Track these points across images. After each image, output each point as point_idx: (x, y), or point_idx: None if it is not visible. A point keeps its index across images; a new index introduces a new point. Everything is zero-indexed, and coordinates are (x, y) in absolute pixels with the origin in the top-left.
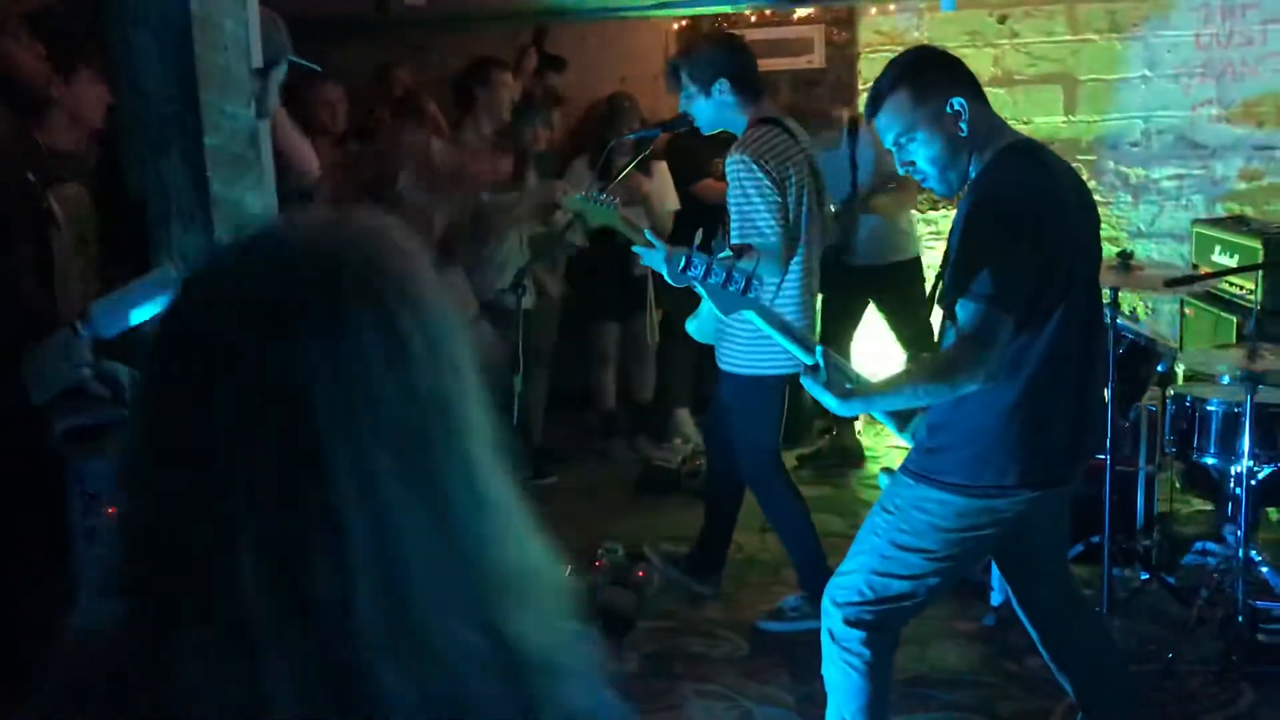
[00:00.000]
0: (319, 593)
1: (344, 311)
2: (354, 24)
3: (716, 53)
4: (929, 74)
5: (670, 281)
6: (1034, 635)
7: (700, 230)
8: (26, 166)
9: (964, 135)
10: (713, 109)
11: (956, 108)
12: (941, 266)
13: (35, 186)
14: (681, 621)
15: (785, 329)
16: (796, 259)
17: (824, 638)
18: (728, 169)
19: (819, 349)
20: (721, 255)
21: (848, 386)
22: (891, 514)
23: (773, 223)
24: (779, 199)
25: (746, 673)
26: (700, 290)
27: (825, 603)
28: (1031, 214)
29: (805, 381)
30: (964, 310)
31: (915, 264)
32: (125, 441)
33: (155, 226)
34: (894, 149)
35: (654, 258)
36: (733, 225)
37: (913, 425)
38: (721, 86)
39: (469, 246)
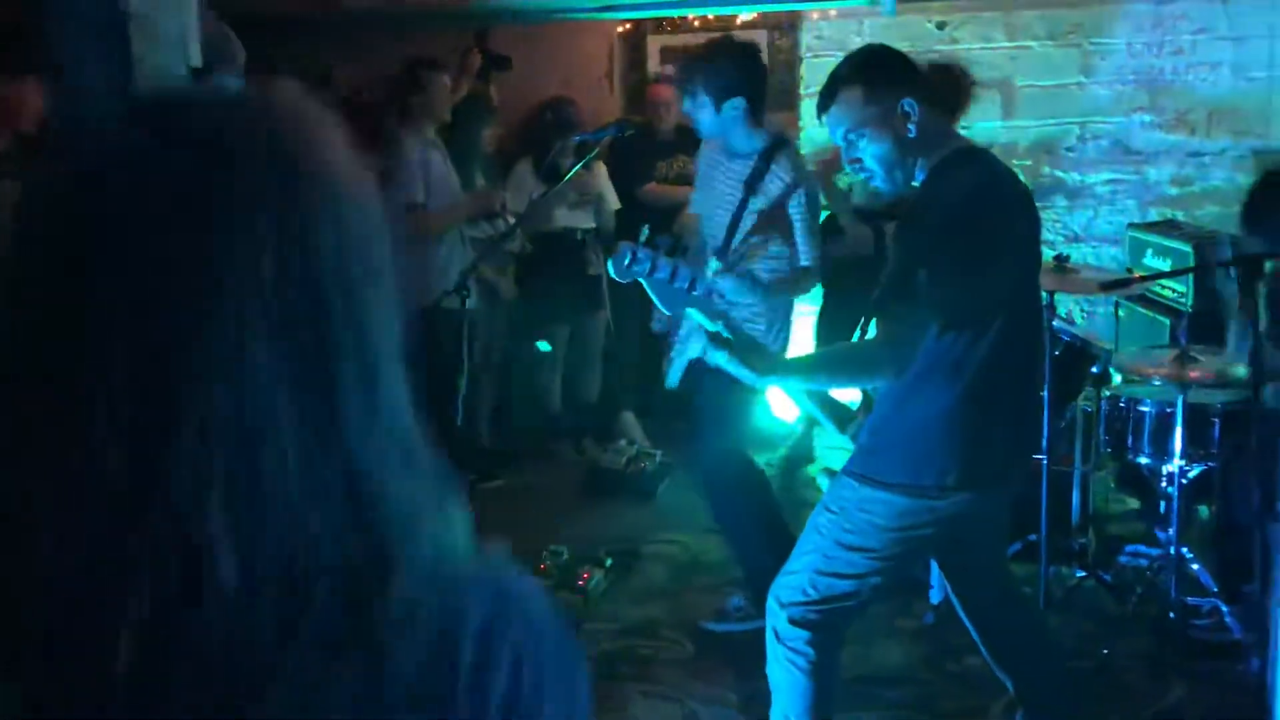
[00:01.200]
0: (174, 474)
1: (235, 181)
2: (299, 23)
3: (736, 70)
4: (882, 72)
5: (616, 277)
6: (974, 633)
7: (646, 226)
8: None
9: (912, 137)
10: (719, 123)
11: (907, 109)
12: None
13: None
14: (627, 624)
15: (726, 322)
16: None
17: (769, 637)
18: (786, 186)
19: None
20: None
21: (763, 363)
22: (835, 514)
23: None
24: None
25: (692, 673)
26: (646, 285)
27: (770, 602)
28: (973, 220)
29: (718, 356)
30: (891, 309)
31: None
32: None
33: None
34: (842, 144)
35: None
36: (806, 250)
37: (853, 427)
38: (735, 105)
39: (403, 248)
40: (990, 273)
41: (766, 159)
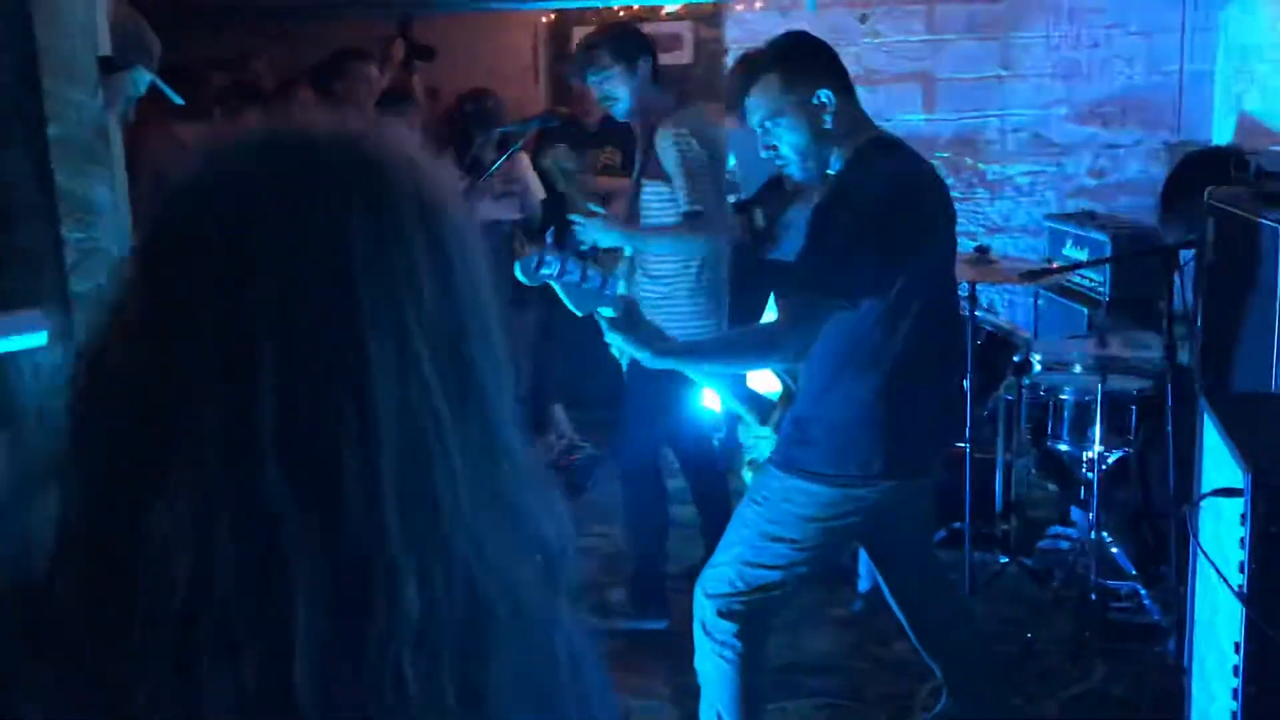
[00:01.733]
0: (345, 483)
1: (393, 207)
2: (212, 11)
3: (638, 34)
4: (801, 62)
5: (524, 280)
6: (902, 619)
7: (552, 228)
8: None
9: (827, 127)
10: (632, 90)
11: (823, 99)
12: None
13: None
14: None
15: (633, 315)
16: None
17: (696, 630)
18: (664, 143)
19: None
20: (578, 251)
21: (659, 343)
22: (760, 505)
23: (712, 195)
24: (714, 175)
25: (622, 666)
26: (556, 288)
27: (697, 594)
28: (883, 211)
29: (612, 336)
30: (793, 294)
31: None
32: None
33: None
34: (759, 130)
35: (593, 226)
36: (681, 198)
37: (774, 418)
38: (644, 63)
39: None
40: (907, 260)
41: (651, 124)
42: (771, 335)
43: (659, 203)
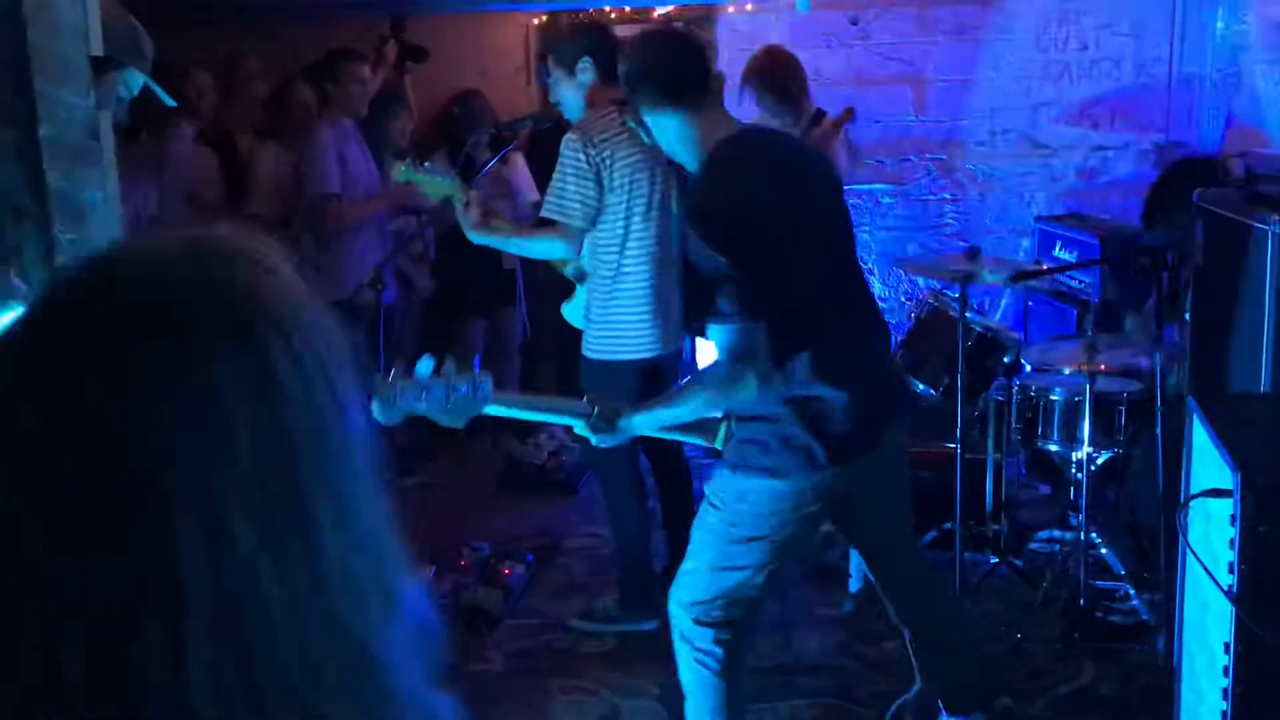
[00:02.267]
0: (147, 669)
1: (189, 347)
2: (200, 9)
3: (583, 35)
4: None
5: (383, 421)
6: (894, 614)
7: (429, 355)
8: None
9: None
10: (577, 92)
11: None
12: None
13: None
14: (548, 619)
15: (540, 407)
16: (640, 259)
17: (675, 640)
18: (563, 145)
19: (585, 402)
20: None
21: (622, 419)
22: (719, 509)
23: (576, 205)
24: (592, 182)
25: (613, 667)
26: (428, 413)
27: (671, 605)
28: (730, 218)
29: (583, 432)
30: (714, 332)
31: None
32: None
33: None
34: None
35: (464, 224)
36: (546, 199)
37: (724, 430)
38: (584, 65)
39: (315, 241)
40: (770, 265)
41: None
42: (729, 378)
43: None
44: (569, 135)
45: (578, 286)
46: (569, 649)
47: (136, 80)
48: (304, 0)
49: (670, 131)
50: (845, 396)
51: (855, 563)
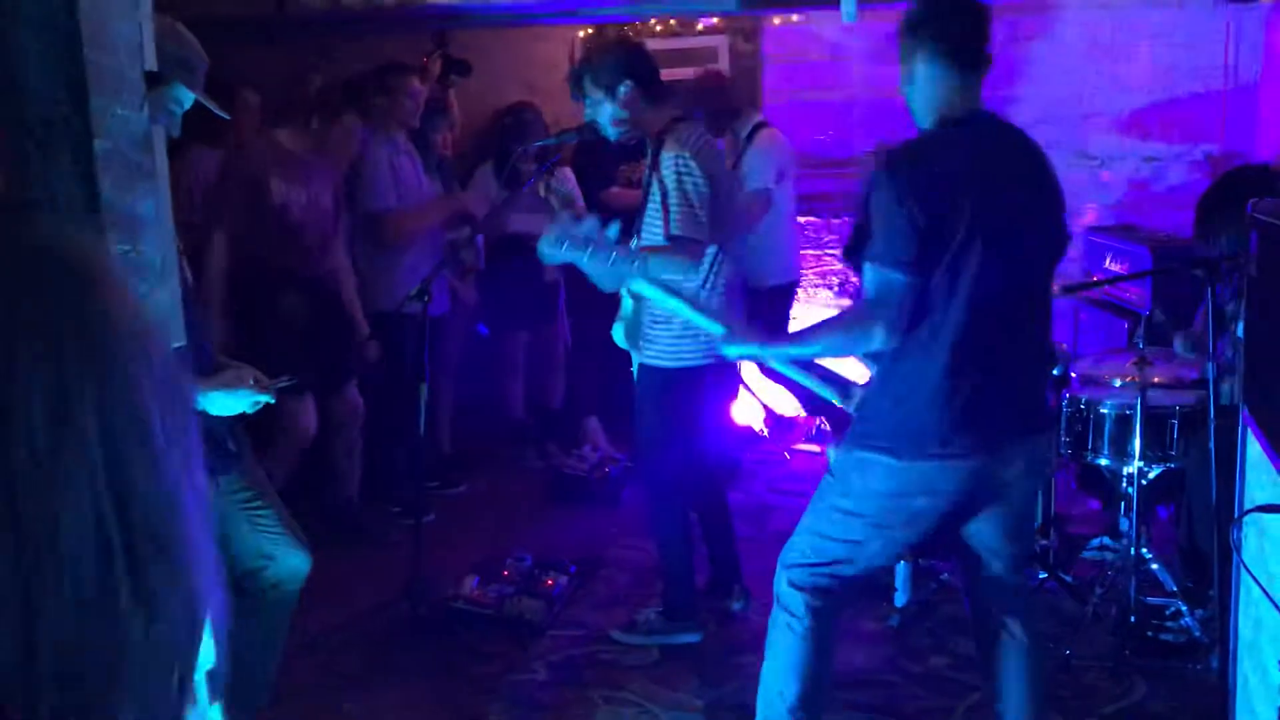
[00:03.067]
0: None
1: None
2: (252, 26)
3: (618, 57)
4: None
5: (547, 257)
6: (971, 618)
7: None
8: None
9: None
10: (618, 113)
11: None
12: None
13: None
14: (592, 630)
15: (688, 301)
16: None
17: (775, 599)
18: (666, 165)
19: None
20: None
21: (758, 341)
22: (834, 479)
23: (704, 221)
24: (707, 194)
25: (656, 679)
26: (584, 261)
27: (779, 565)
28: (910, 176)
29: (724, 347)
30: (863, 272)
31: (790, 290)
32: None
33: None
34: None
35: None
36: (673, 219)
37: (855, 395)
38: (626, 89)
39: (367, 254)
40: (928, 231)
41: (659, 139)
42: (858, 320)
43: (657, 221)
44: (678, 155)
45: (623, 306)
46: (612, 660)
47: (187, 96)
48: (349, 15)
49: (928, 86)
50: (986, 388)
51: (902, 577)
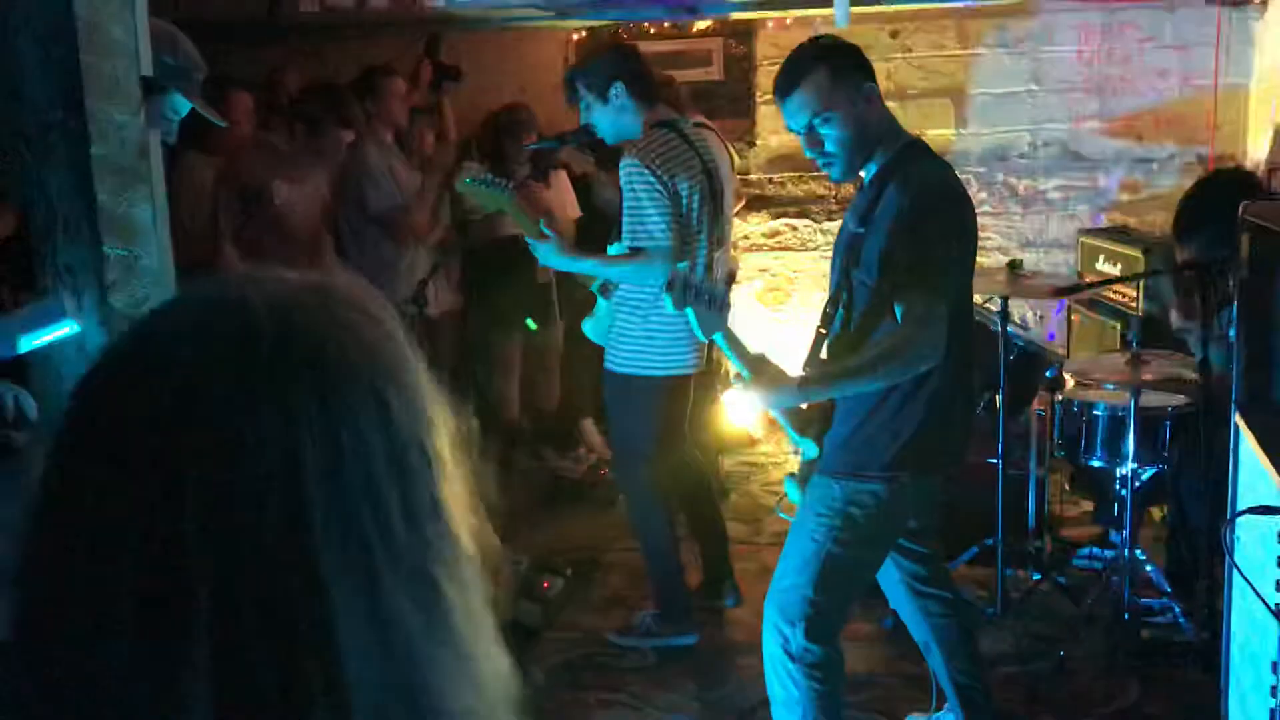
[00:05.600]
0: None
1: (346, 396)
2: (244, 29)
3: (610, 59)
4: (845, 56)
5: (672, 308)
6: (924, 629)
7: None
8: None
9: (872, 123)
10: (611, 115)
11: (869, 93)
12: (846, 257)
13: None
14: (588, 632)
15: (740, 350)
16: (698, 264)
17: (777, 656)
18: (620, 172)
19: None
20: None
21: (799, 386)
22: (826, 516)
23: (664, 226)
24: (669, 203)
25: (653, 682)
26: (691, 315)
27: (776, 621)
28: (957, 208)
29: (748, 394)
30: (916, 295)
31: None
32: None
33: (37, 237)
34: (803, 132)
35: (545, 250)
36: (624, 228)
37: (814, 428)
38: (617, 91)
39: (366, 254)
40: (961, 260)
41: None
42: (908, 347)
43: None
44: (628, 161)
45: (598, 302)
46: (609, 663)
47: (184, 104)
48: (340, 20)
49: (843, 129)
50: (959, 408)
51: None
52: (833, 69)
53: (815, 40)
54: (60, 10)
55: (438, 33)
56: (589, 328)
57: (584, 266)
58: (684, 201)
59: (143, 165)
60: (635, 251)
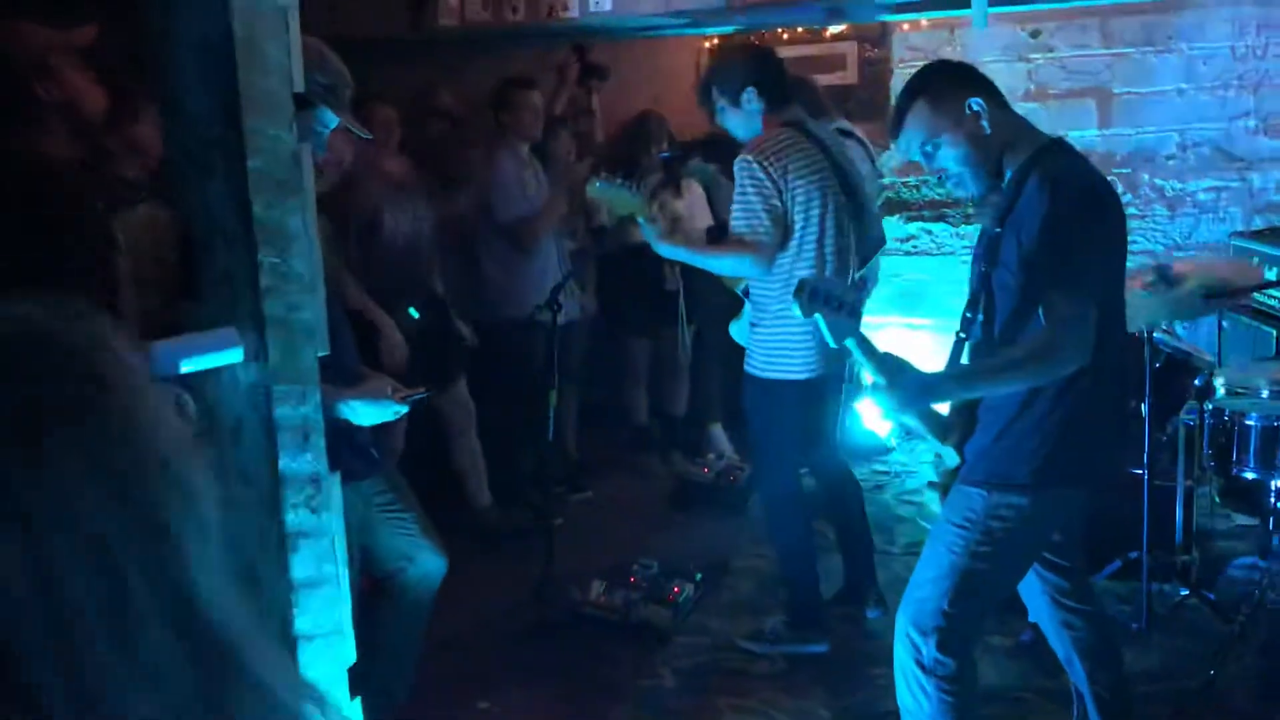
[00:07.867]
0: None
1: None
2: (388, 45)
3: (745, 63)
4: (940, 80)
5: (801, 315)
6: (1064, 637)
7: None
8: (90, 192)
9: (988, 133)
10: (744, 119)
11: (975, 108)
12: (986, 261)
13: (99, 211)
14: (717, 638)
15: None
16: (808, 264)
17: (909, 668)
18: (734, 168)
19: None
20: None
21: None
22: (965, 528)
23: (767, 223)
24: (776, 200)
25: (783, 688)
26: (820, 321)
27: (909, 631)
28: (1099, 206)
29: (879, 397)
30: (1059, 295)
31: None
32: None
33: (198, 249)
34: (923, 159)
35: (650, 233)
36: (730, 221)
37: (954, 435)
38: (749, 95)
39: (500, 262)
40: (1105, 261)
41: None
42: (1053, 346)
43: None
44: (742, 157)
45: (746, 305)
46: (740, 668)
47: (332, 119)
48: (483, 34)
49: (956, 148)
50: (1111, 418)
51: None
52: (931, 97)
53: (914, 75)
54: (221, 30)
55: (578, 42)
56: (734, 330)
57: (682, 254)
58: (797, 199)
59: (295, 177)
60: (734, 242)
